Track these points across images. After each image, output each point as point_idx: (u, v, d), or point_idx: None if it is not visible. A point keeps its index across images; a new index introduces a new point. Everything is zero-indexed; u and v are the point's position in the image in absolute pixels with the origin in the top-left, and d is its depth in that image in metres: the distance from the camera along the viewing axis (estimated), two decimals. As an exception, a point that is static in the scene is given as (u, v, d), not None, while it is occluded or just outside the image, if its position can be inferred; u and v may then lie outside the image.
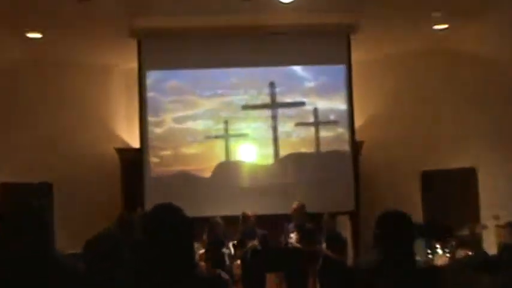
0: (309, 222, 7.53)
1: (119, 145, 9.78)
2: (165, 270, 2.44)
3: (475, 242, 7.72)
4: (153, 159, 9.27)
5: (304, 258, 7.14)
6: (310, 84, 9.47)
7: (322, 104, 9.39)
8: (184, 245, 2.49)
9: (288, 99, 9.37)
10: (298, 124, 9.34)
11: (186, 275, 2.48)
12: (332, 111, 9.40)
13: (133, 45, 8.99)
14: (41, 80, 9.53)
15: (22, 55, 9.25)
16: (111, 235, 3.42)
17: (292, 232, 7.36)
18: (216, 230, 7.15)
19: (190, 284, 2.49)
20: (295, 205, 7.49)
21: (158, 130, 9.33)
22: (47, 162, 9.16)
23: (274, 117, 9.32)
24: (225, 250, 6.93)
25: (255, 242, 7.20)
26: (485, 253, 6.48)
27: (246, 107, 9.31)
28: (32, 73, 9.41)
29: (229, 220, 7.55)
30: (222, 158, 9.31)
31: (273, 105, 9.34)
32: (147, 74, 9.25)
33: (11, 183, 8.66)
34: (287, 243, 7.38)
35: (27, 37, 8.67)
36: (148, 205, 8.25)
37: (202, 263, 6.49)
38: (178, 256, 2.46)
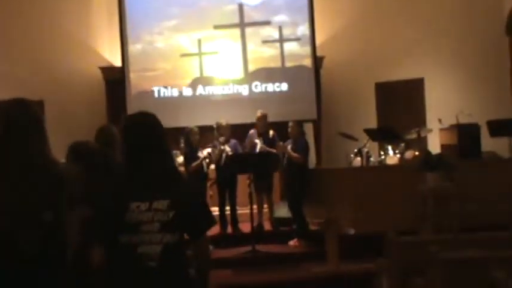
0: (272, 129, 7.78)
1: (103, 64, 10.05)
2: (145, 166, 2.54)
3: (421, 143, 8.34)
4: (134, 76, 9.86)
5: (270, 159, 7.43)
6: (277, 2, 10.15)
7: (287, 23, 10.12)
8: (161, 143, 2.61)
9: (256, 19, 10.08)
10: (265, 42, 10.12)
11: (169, 171, 2.59)
12: (296, 29, 10.17)
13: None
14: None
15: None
16: (83, 143, 3.60)
17: (257, 138, 7.66)
18: (192, 138, 7.42)
19: (175, 181, 2.59)
20: (258, 114, 7.80)
21: (137, 48, 9.88)
22: (39, 81, 9.50)
23: (243, 36, 10.05)
24: (200, 154, 7.38)
25: (227, 147, 7.50)
26: (429, 153, 7.35)
27: (217, 27, 10.00)
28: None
29: (205, 129, 8.08)
30: (197, 74, 10.02)
31: (242, 24, 10.05)
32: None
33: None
34: (251, 147, 7.63)
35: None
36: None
37: (182, 169, 7.18)
38: (158, 152, 2.58)
